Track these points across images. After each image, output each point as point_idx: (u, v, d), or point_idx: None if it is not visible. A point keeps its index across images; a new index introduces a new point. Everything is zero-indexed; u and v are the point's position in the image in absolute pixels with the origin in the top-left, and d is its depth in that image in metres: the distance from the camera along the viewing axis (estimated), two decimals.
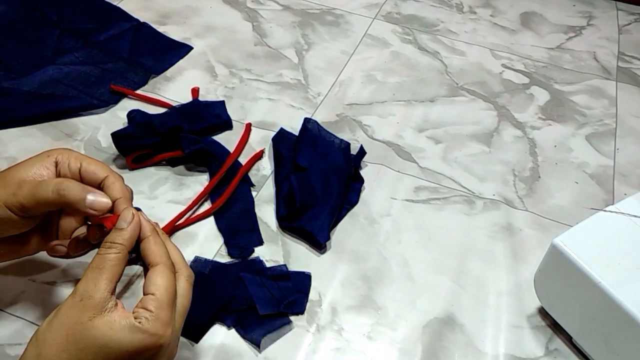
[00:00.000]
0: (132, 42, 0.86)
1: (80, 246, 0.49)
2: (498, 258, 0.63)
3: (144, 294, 0.43)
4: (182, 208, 0.65)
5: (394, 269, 0.61)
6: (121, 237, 0.43)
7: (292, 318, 0.56)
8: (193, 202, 0.65)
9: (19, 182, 0.45)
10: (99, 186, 0.47)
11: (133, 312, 0.41)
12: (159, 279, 0.43)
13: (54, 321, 0.40)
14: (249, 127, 0.75)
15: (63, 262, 0.58)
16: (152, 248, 0.45)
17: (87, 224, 0.50)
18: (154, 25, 0.90)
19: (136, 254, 0.46)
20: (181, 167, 0.70)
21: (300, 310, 0.57)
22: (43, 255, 0.51)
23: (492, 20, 0.99)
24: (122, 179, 0.48)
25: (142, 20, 0.91)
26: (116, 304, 0.41)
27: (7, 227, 0.46)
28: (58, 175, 0.47)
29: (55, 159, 0.47)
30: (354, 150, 0.72)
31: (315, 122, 0.74)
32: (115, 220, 0.44)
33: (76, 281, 0.57)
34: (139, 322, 0.40)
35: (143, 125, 0.68)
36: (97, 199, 0.44)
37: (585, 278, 0.49)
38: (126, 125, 0.71)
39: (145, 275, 0.44)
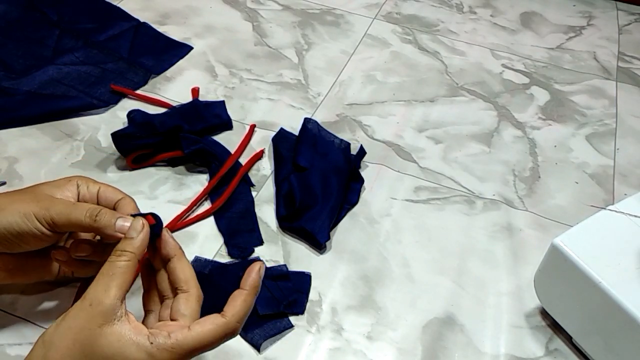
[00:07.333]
0: (132, 42, 0.86)
1: (80, 248, 0.49)
2: (498, 258, 0.63)
3: (173, 317, 0.43)
4: (182, 208, 0.65)
5: (394, 269, 0.61)
6: (131, 245, 0.43)
7: (292, 318, 0.56)
8: (193, 202, 0.65)
9: (51, 198, 0.47)
10: (114, 207, 0.49)
11: (149, 329, 0.41)
12: (195, 311, 0.45)
13: (62, 324, 0.40)
14: (252, 128, 0.75)
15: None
16: (186, 270, 0.46)
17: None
18: (154, 25, 0.90)
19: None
20: (181, 167, 0.70)
21: (300, 311, 0.57)
22: None
23: (492, 20, 0.99)
24: (134, 200, 0.50)
25: (142, 20, 0.91)
26: (126, 314, 0.41)
27: (31, 239, 0.46)
28: (79, 197, 0.49)
29: (76, 183, 0.50)
30: (354, 150, 0.72)
31: (315, 122, 0.74)
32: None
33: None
34: (151, 343, 0.40)
35: (143, 125, 0.68)
36: (125, 224, 0.45)
37: (585, 278, 0.49)
38: (126, 125, 0.71)
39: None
